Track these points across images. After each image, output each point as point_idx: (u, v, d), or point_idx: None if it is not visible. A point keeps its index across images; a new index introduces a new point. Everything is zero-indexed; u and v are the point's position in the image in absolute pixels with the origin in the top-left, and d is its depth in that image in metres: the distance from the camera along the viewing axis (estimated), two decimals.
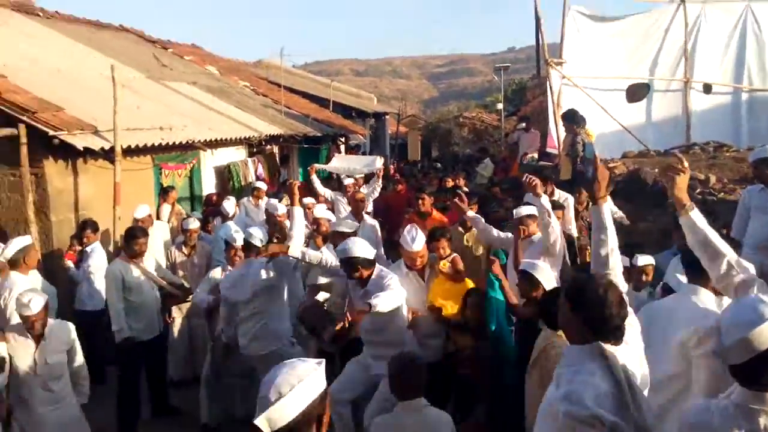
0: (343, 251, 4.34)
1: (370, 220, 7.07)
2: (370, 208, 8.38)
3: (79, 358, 4.41)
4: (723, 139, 10.56)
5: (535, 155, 12.55)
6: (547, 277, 3.95)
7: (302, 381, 1.79)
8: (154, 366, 5.59)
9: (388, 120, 25.37)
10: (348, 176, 9.98)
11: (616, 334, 2.03)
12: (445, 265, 4.69)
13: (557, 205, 5.78)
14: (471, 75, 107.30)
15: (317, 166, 10.00)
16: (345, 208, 8.00)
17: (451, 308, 4.47)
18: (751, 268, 2.54)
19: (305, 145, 13.60)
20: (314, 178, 9.08)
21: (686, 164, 2.63)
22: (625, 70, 11.37)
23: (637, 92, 11.54)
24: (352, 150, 16.94)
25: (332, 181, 10.61)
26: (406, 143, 27.88)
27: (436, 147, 29.08)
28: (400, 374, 3.26)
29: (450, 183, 9.85)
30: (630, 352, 2.12)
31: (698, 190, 7.50)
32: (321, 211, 6.72)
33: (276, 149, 12.61)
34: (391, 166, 16.78)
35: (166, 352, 5.88)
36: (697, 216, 2.55)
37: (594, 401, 1.88)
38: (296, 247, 4.61)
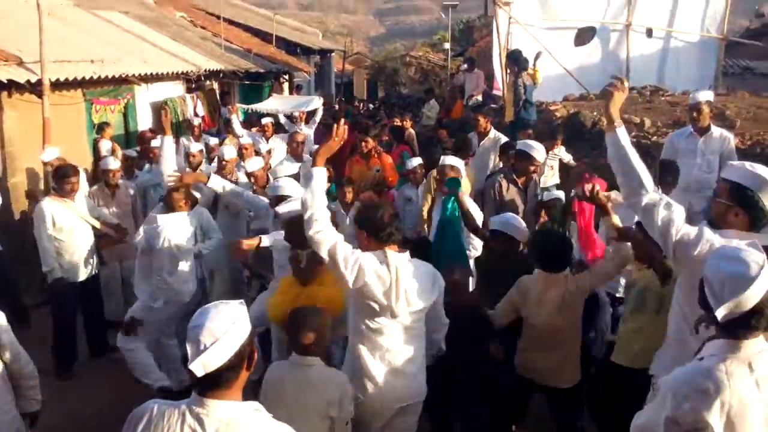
0: (274, 189, 4.36)
1: (308, 159, 6.98)
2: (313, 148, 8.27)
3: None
4: (658, 83, 10.86)
5: (480, 97, 12.58)
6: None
7: (234, 323, 1.81)
8: (90, 307, 5.47)
9: (333, 57, 24.78)
10: (286, 116, 9.79)
11: None
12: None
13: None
14: (419, 12, 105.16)
15: (240, 105, 9.74)
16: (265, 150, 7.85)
17: None
18: (675, 208, 2.61)
19: (246, 82, 13.18)
20: (233, 118, 8.85)
21: (626, 84, 2.69)
22: (571, 13, 11.39)
23: (584, 36, 11.63)
24: (294, 91, 16.52)
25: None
26: (352, 82, 27.36)
27: (383, 87, 28.67)
28: (296, 327, 2.77)
29: (397, 123, 9.84)
30: None
31: (633, 133, 7.73)
32: (230, 151, 6.24)
33: (216, 85, 12.18)
34: (336, 106, 16.51)
35: (101, 292, 5.75)
36: (622, 133, 2.62)
37: None
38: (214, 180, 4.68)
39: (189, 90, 11.18)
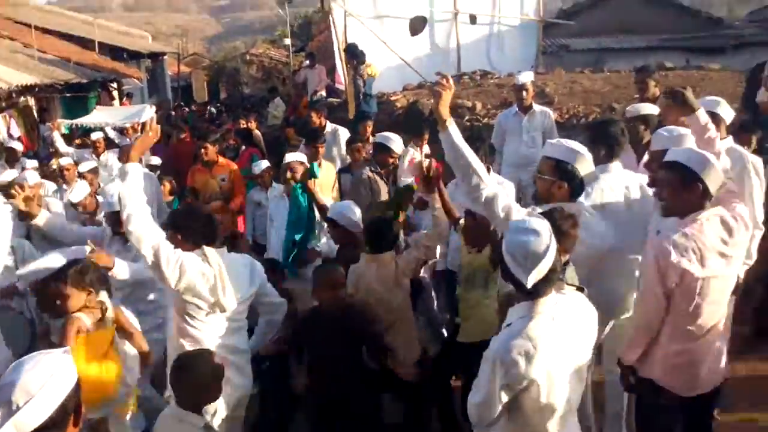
0: (109, 205, 4.10)
1: (147, 172, 6.54)
2: (154, 160, 7.75)
3: None
4: (487, 68, 11.56)
5: (323, 92, 12.58)
6: None
7: (53, 375, 1.61)
8: None
9: (167, 60, 23.47)
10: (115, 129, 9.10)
11: None
12: None
13: None
14: (256, 8, 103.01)
15: (62, 121, 8.94)
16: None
17: None
18: (506, 186, 2.80)
19: (68, 95, 12.08)
20: (55, 135, 8.10)
21: (451, 82, 2.80)
22: (404, 3, 11.69)
23: (417, 25, 12.02)
24: (125, 99, 15.44)
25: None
26: (190, 85, 26.13)
27: (224, 88, 27.75)
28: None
29: (243, 125, 9.52)
30: None
31: (467, 117, 8.16)
32: (31, 176, 5.59)
33: (32, 101, 11.02)
34: (173, 113, 15.68)
35: None
36: (454, 131, 2.70)
37: None
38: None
39: (0, 109, 10.01)
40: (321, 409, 3.34)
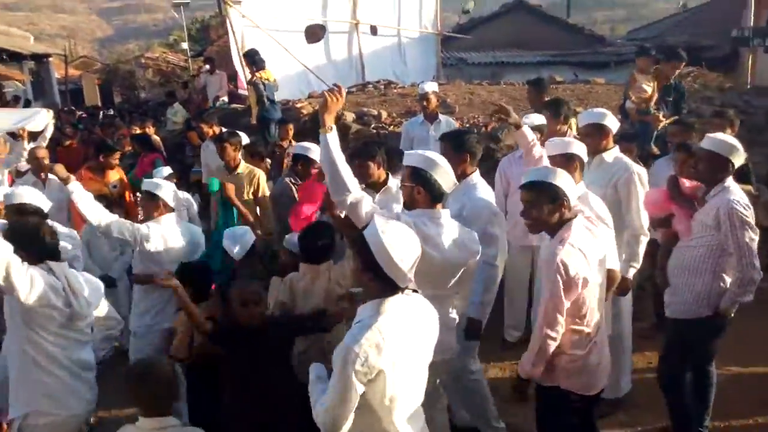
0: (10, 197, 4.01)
1: (54, 177, 6.12)
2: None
3: None
4: (390, 77, 11.77)
5: (226, 98, 12.30)
6: None
7: None
8: None
9: (53, 62, 21.95)
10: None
11: None
12: None
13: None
14: (150, 11, 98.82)
15: None
16: None
17: None
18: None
19: None
20: None
21: (343, 94, 2.99)
22: (301, 11, 11.65)
23: (315, 32, 11.99)
24: (11, 103, 14.26)
25: None
26: (80, 88, 24.58)
27: (118, 92, 26.38)
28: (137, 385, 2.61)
29: (137, 131, 9.09)
30: None
31: (373, 125, 8.25)
32: None
33: None
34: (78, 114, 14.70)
35: None
36: (332, 138, 2.89)
37: None
38: None
39: None
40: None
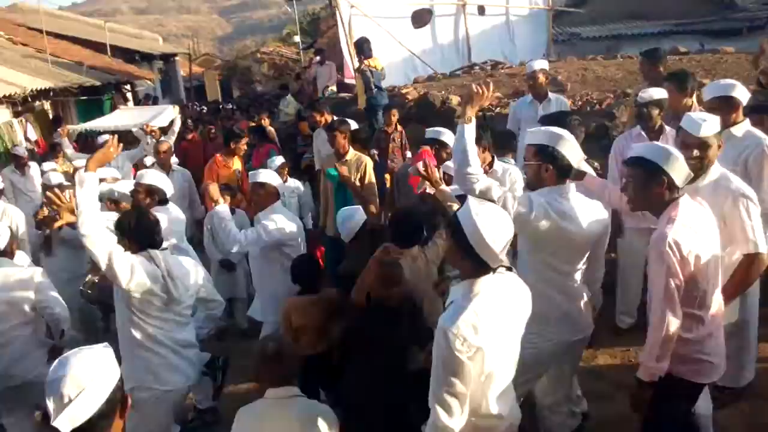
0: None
1: (178, 168, 6.73)
2: (174, 160, 7.84)
3: None
4: (498, 58, 11.49)
5: (334, 88, 12.61)
6: None
7: (101, 369, 1.67)
8: None
9: (179, 61, 23.63)
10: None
11: None
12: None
13: None
14: (265, 7, 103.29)
15: (74, 127, 8.93)
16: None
17: None
18: (513, 173, 2.86)
19: (83, 98, 12.20)
20: (65, 141, 8.09)
21: (489, 93, 2.99)
22: None
23: (422, 17, 11.99)
24: (143, 101, 15.52)
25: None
26: (203, 85, 26.27)
27: (237, 86, 27.84)
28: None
29: (254, 123, 9.57)
30: None
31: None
32: (56, 177, 5.91)
33: (48, 105, 11.15)
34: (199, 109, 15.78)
35: None
36: (469, 129, 2.91)
37: None
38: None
39: (16, 114, 10.13)
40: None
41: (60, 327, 3.85)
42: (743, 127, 3.71)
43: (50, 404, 1.60)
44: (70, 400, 1.59)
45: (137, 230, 3.20)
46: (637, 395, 2.68)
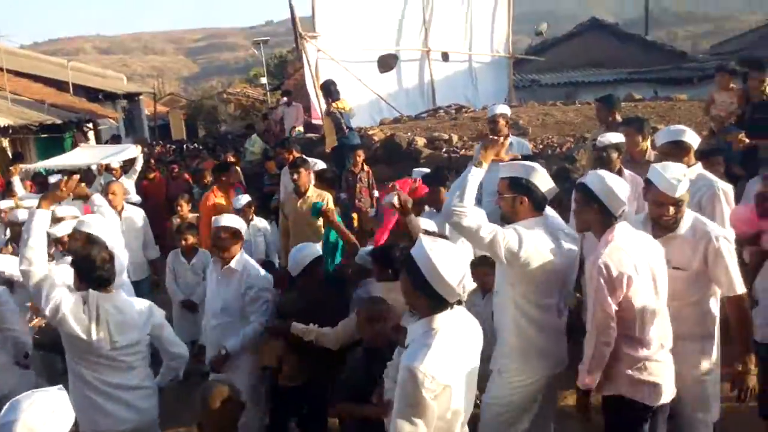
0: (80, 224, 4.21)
1: (131, 208, 6.40)
2: (135, 199, 7.70)
3: None
4: (461, 102, 11.80)
5: (301, 128, 12.70)
6: None
7: (54, 412, 1.61)
8: None
9: (143, 100, 23.52)
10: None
11: None
12: None
13: None
14: (231, 49, 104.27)
15: (29, 167, 8.75)
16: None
17: None
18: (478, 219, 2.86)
19: (44, 135, 11.99)
20: (15, 179, 7.82)
21: (506, 145, 3.06)
22: (374, 42, 11.95)
23: (387, 62, 12.25)
24: (110, 141, 15.28)
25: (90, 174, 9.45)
26: (168, 124, 26.15)
27: (202, 126, 27.84)
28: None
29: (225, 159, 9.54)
30: None
31: (444, 149, 8.28)
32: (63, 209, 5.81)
33: (7, 143, 10.92)
34: (157, 149, 15.66)
35: None
36: (479, 172, 2.92)
37: None
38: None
39: None
40: None
41: (23, 351, 3.79)
42: (695, 170, 3.87)
43: None
44: None
45: (79, 267, 3.16)
46: (579, 400, 2.91)
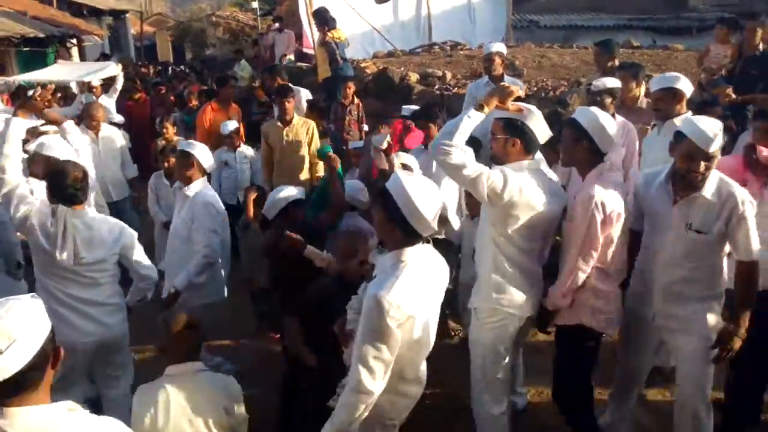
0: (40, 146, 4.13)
1: (109, 129, 6.20)
2: (116, 118, 7.55)
3: None
4: (458, 39, 11.54)
5: (292, 57, 12.39)
6: None
7: (31, 320, 1.61)
8: None
9: (129, 19, 22.69)
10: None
11: None
12: None
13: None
14: None
15: (4, 79, 8.51)
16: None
17: None
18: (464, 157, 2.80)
19: (25, 49, 11.59)
20: None
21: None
22: None
23: None
24: (100, 59, 14.79)
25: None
26: (154, 45, 25.32)
27: (190, 49, 27.01)
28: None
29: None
30: None
31: (437, 86, 8.16)
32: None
33: None
34: (143, 69, 15.25)
35: None
36: (477, 116, 2.82)
37: None
38: None
39: None
40: None
41: (14, 261, 3.87)
42: (684, 118, 3.87)
43: None
44: (1, 352, 1.53)
45: (51, 182, 3.20)
46: (542, 317, 3.08)
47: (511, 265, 2.93)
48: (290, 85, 6.09)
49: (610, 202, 2.81)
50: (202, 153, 4.04)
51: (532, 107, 2.94)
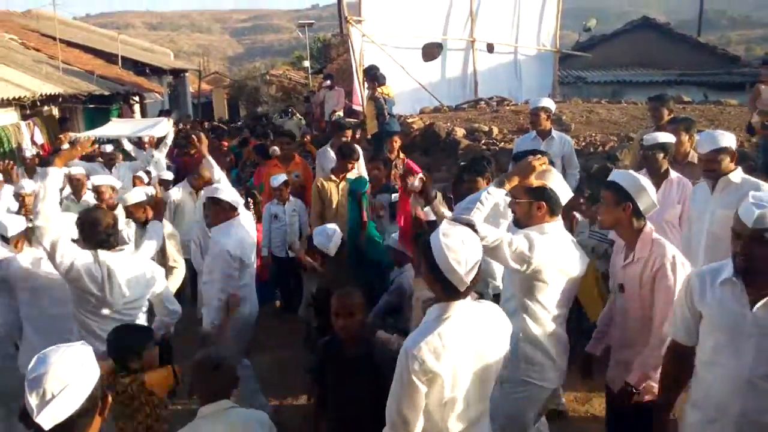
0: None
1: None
2: (165, 175, 7.84)
3: None
4: (504, 95, 11.65)
5: (341, 113, 12.74)
6: None
7: (83, 365, 1.65)
8: None
9: (188, 77, 23.88)
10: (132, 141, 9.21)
11: None
12: None
13: None
14: (276, 31, 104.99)
15: (72, 134, 9.01)
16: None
17: None
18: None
19: (91, 106, 12.29)
20: (64, 147, 8.06)
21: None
22: (420, 30, 11.89)
23: (432, 51, 12.17)
24: (162, 115, 15.60)
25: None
26: (211, 102, 26.52)
27: (244, 106, 28.11)
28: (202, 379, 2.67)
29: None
30: None
31: (483, 141, 8.21)
32: (101, 178, 6.16)
33: (56, 111, 11.23)
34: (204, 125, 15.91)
35: None
36: (498, 193, 2.75)
37: None
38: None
39: (24, 117, 10.20)
40: None
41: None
42: (738, 173, 3.76)
43: (31, 400, 1.58)
44: (53, 397, 1.57)
45: (84, 229, 3.36)
46: (621, 396, 2.91)
47: (541, 334, 2.82)
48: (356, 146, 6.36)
49: (686, 264, 2.83)
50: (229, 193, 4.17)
51: (552, 168, 2.89)
